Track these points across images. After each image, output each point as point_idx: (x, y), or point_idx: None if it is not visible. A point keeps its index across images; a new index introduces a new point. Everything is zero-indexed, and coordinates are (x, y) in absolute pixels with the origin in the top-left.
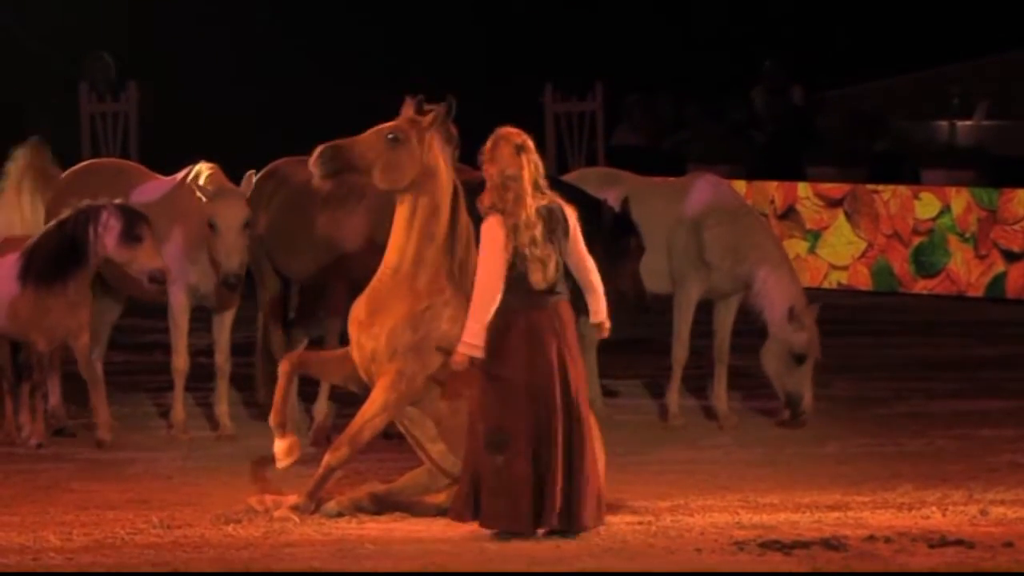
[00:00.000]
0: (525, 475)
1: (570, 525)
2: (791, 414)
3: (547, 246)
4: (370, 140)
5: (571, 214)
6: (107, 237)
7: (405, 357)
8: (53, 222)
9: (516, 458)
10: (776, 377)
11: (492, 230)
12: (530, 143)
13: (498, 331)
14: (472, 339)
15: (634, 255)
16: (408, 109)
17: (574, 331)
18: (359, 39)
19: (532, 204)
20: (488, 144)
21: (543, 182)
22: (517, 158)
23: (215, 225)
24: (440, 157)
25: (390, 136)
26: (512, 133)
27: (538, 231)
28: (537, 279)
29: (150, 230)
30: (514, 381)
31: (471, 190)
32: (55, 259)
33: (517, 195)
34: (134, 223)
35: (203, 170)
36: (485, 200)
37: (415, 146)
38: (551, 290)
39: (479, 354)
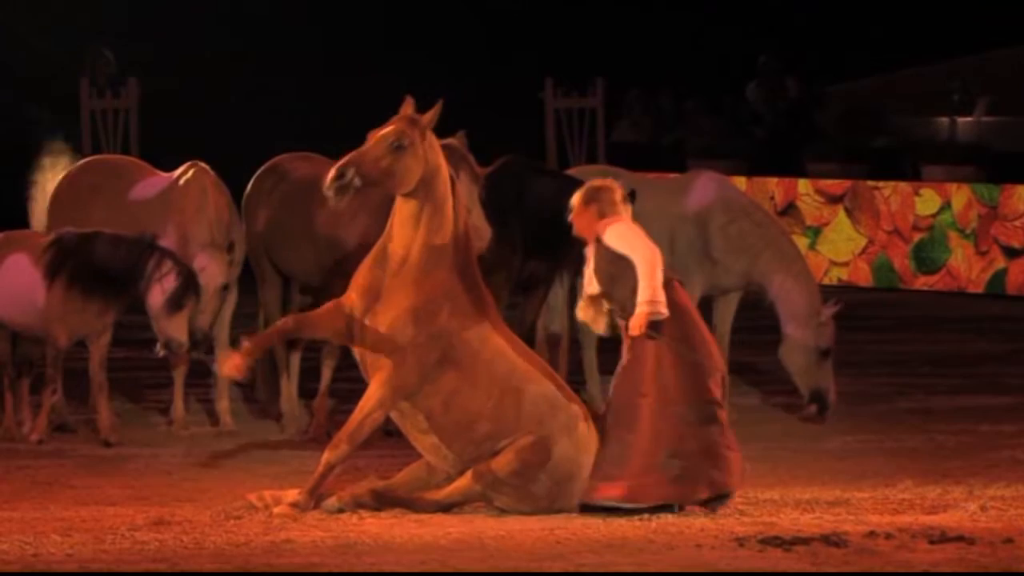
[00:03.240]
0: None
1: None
2: (818, 408)
3: None
4: (376, 152)
5: None
6: (157, 289)
7: (403, 352)
8: (105, 233)
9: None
10: (801, 374)
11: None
12: None
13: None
14: (656, 296)
15: None
16: (408, 107)
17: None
18: (360, 34)
19: None
20: None
21: None
22: None
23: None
24: (439, 152)
25: (395, 144)
26: None
27: None
28: None
29: (193, 302)
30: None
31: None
32: (99, 273)
33: None
34: (185, 292)
35: (193, 179)
36: None
37: (419, 147)
38: None
39: (664, 311)
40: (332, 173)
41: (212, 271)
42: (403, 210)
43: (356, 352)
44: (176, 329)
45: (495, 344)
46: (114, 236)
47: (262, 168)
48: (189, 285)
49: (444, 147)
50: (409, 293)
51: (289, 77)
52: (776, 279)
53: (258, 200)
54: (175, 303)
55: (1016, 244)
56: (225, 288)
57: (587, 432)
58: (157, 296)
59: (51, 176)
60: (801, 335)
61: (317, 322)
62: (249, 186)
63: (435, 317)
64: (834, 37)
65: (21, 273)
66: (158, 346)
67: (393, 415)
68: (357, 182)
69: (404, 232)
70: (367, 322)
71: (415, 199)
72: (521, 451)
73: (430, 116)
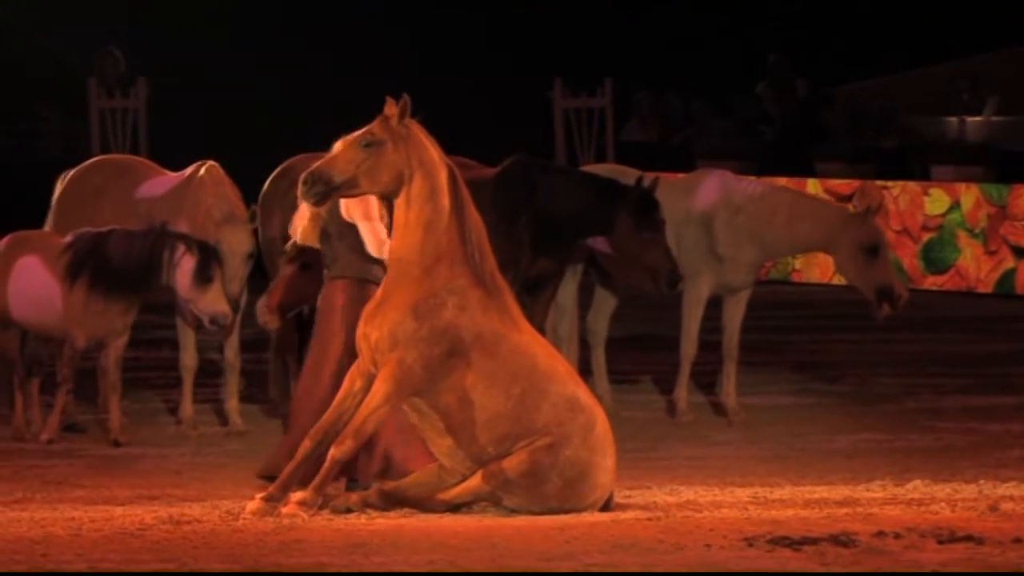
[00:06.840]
0: None
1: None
2: (890, 305)
3: None
4: (345, 153)
5: None
6: (180, 273)
7: (406, 346)
8: (117, 231)
9: None
10: (859, 279)
11: None
12: None
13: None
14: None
15: (661, 228)
16: (389, 108)
17: None
18: (367, 34)
19: None
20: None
21: None
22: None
23: (219, 250)
24: (428, 146)
25: (363, 143)
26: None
27: None
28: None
29: (220, 271)
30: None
31: (480, 185)
32: (118, 272)
33: None
34: (207, 264)
35: (206, 174)
36: None
37: (390, 144)
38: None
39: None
40: (303, 178)
41: (236, 239)
42: (397, 206)
43: (365, 352)
44: (214, 302)
45: (514, 341)
46: (126, 232)
47: (276, 171)
48: (208, 256)
49: None
50: (410, 291)
51: (299, 76)
52: (785, 234)
53: (272, 203)
54: (202, 277)
55: None
56: (251, 256)
57: (603, 434)
58: (183, 280)
59: None
60: (839, 243)
61: (339, 416)
62: (264, 189)
63: (438, 311)
64: (842, 37)
65: (37, 275)
66: (207, 322)
67: (412, 417)
68: (321, 189)
69: (398, 232)
70: (373, 324)
71: (402, 198)
72: (534, 452)
73: (399, 110)
